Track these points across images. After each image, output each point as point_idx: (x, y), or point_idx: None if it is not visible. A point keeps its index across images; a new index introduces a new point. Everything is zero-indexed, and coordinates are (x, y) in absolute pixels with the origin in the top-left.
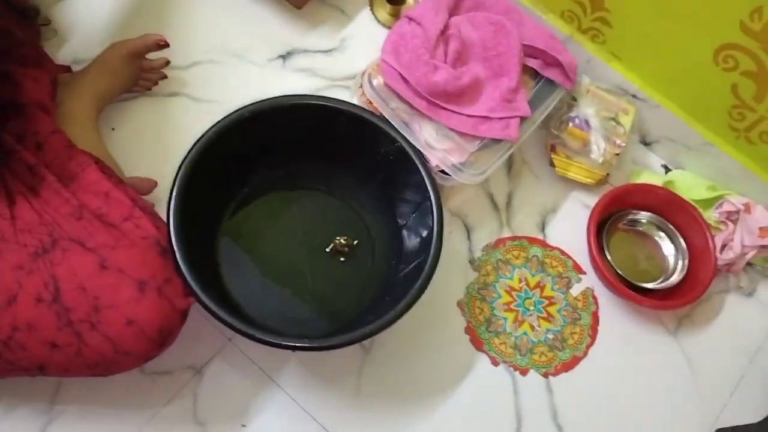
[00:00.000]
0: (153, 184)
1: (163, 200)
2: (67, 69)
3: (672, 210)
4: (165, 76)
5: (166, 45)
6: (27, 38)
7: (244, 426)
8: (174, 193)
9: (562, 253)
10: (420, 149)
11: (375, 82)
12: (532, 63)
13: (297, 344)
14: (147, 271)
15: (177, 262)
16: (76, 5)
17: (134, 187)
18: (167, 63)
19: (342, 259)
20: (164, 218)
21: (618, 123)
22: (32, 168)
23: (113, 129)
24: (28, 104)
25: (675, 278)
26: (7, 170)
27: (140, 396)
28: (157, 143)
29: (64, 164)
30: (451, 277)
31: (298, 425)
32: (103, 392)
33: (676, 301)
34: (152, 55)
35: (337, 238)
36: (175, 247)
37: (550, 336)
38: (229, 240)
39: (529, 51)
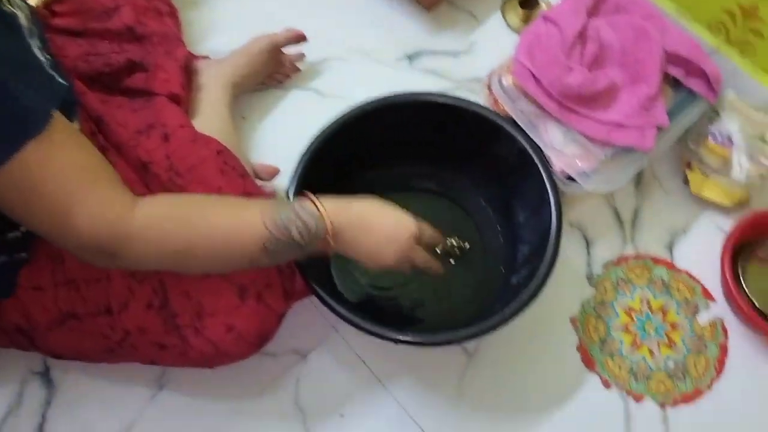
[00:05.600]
0: (275, 171)
1: (282, 188)
2: (204, 58)
3: None
4: (298, 70)
5: (305, 39)
6: (158, 30)
7: (342, 416)
8: (294, 185)
9: (691, 277)
10: (544, 151)
11: (504, 82)
12: (674, 71)
13: (401, 337)
14: (248, 276)
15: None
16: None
17: (258, 172)
18: (303, 57)
19: (452, 261)
20: None
21: (765, 142)
22: (146, 165)
23: (243, 117)
24: (158, 94)
25: None
26: (123, 161)
27: (245, 375)
28: (283, 134)
29: (185, 157)
30: (565, 292)
31: (395, 423)
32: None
33: None
34: (287, 50)
35: (449, 239)
36: None
37: (671, 364)
38: None
39: (672, 59)
